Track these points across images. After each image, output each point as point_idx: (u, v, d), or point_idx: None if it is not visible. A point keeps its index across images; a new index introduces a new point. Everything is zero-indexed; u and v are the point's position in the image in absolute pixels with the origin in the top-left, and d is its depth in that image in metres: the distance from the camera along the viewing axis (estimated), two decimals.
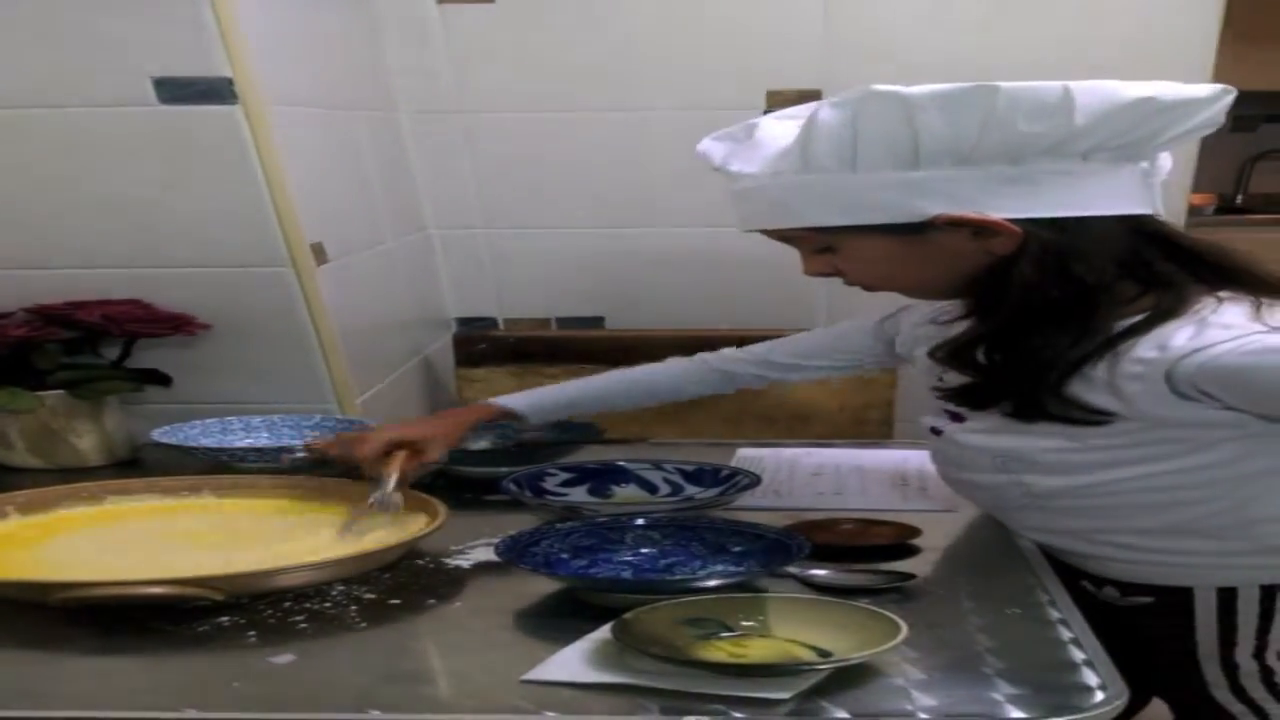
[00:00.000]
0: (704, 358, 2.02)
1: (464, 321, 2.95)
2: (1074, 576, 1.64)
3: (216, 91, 1.99)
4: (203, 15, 1.94)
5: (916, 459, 2.00)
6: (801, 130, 1.49)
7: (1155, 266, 1.48)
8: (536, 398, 1.96)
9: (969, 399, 1.57)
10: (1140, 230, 1.50)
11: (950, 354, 1.55)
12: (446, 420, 1.90)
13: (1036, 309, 1.46)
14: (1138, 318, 1.45)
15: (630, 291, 2.86)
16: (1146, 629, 1.63)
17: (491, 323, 2.94)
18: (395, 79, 2.71)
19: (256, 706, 1.17)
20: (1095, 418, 1.46)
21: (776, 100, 2.61)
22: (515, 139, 2.77)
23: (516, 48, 2.69)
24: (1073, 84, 1.39)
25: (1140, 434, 1.46)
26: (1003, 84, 1.38)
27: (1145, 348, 1.42)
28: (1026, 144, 1.42)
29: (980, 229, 1.46)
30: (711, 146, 1.63)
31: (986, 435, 1.58)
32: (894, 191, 1.46)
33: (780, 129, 1.57)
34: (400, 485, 1.71)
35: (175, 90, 2.00)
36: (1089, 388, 1.45)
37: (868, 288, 1.62)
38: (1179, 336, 1.40)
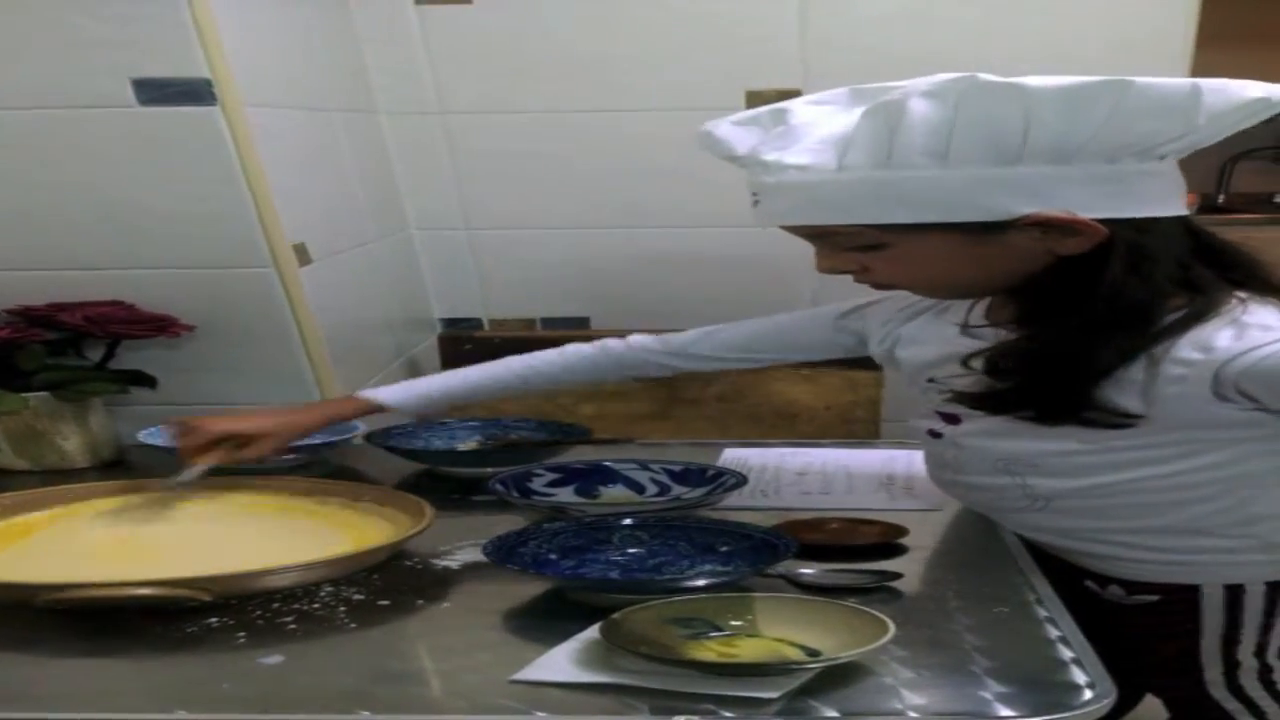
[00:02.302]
0: (607, 345, 1.98)
1: (449, 322, 2.95)
2: (1077, 576, 1.64)
3: (196, 93, 1.99)
4: (181, 16, 1.93)
5: (903, 458, 2.01)
6: (879, 121, 1.42)
7: (1194, 268, 1.47)
8: (410, 389, 1.94)
9: (989, 404, 1.54)
10: (1189, 230, 1.49)
11: (992, 361, 1.52)
12: (297, 415, 1.89)
13: (1116, 313, 1.43)
14: (1170, 319, 1.44)
15: (615, 292, 2.86)
16: (1150, 626, 1.62)
17: (476, 323, 2.94)
18: (374, 79, 2.71)
19: (246, 707, 1.17)
20: (1121, 421, 1.45)
21: (756, 100, 2.61)
22: (495, 139, 2.77)
23: (494, 48, 2.69)
24: (1201, 81, 1.35)
25: (1157, 435, 1.46)
26: (1134, 79, 1.34)
27: (1185, 350, 1.40)
28: (1134, 142, 1.39)
29: (1052, 228, 1.42)
30: (733, 133, 1.56)
31: (989, 438, 1.57)
32: (985, 189, 1.40)
33: (819, 115, 1.51)
34: (205, 474, 1.78)
35: (154, 91, 1.99)
36: (1120, 390, 1.44)
37: (896, 287, 1.60)
38: (1221, 338, 1.38)
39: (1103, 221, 1.41)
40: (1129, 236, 1.42)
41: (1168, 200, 1.45)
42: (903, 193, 1.42)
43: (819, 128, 1.48)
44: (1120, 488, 1.52)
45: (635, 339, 1.97)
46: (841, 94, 1.52)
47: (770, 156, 1.48)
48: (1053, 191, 1.40)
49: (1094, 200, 1.41)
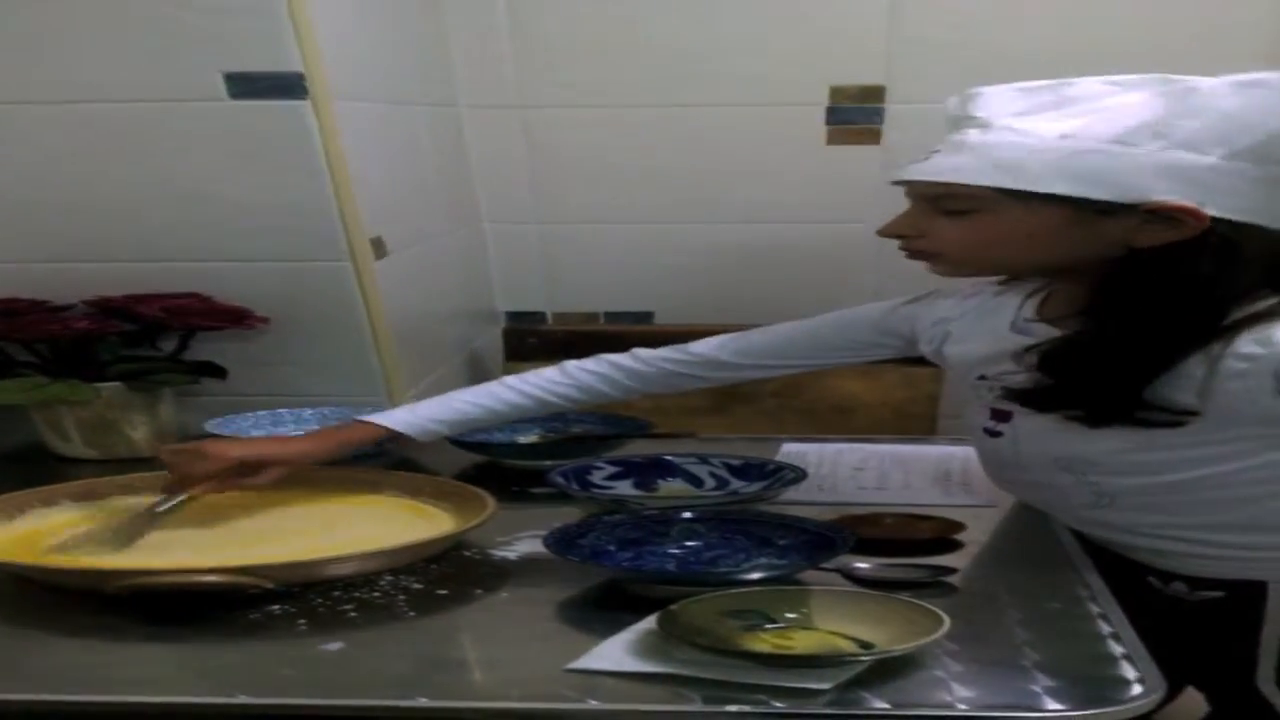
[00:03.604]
0: (613, 361, 1.86)
1: (513, 315, 2.97)
2: (1138, 571, 1.63)
3: (287, 86, 2.02)
4: (278, 10, 1.96)
5: (960, 454, 2.00)
6: (1166, 101, 1.42)
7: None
8: (417, 413, 1.82)
9: (1037, 401, 1.55)
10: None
11: (1045, 356, 1.52)
12: (310, 443, 1.79)
13: (1196, 308, 1.43)
14: (1236, 316, 1.43)
15: (680, 286, 2.87)
16: (1211, 622, 1.61)
17: (540, 317, 2.96)
18: (459, 73, 2.74)
19: (305, 693, 1.19)
20: (1174, 419, 1.45)
21: (840, 96, 2.62)
22: (571, 133, 2.79)
23: (580, 42, 2.71)
24: None
25: (1214, 433, 1.45)
26: None
27: (1247, 345, 1.40)
28: None
29: (1158, 217, 1.41)
30: (1001, 94, 1.52)
31: (1045, 435, 1.57)
32: (1148, 174, 1.40)
33: (1102, 90, 1.49)
34: (183, 503, 1.70)
35: (246, 85, 2.03)
36: (1176, 387, 1.44)
37: (947, 259, 1.57)
38: None
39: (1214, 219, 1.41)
40: (1225, 233, 1.41)
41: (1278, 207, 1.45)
42: (1093, 167, 1.42)
43: (1089, 101, 1.48)
44: (1184, 485, 1.51)
45: (642, 352, 1.86)
46: (1147, 78, 1.49)
47: (1004, 120, 1.48)
48: (1196, 181, 1.40)
49: (1222, 198, 1.40)
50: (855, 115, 2.65)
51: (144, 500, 1.72)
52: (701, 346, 1.86)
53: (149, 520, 1.66)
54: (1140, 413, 1.46)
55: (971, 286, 1.73)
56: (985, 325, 1.68)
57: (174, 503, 1.69)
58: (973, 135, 1.49)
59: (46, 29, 2.04)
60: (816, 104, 2.64)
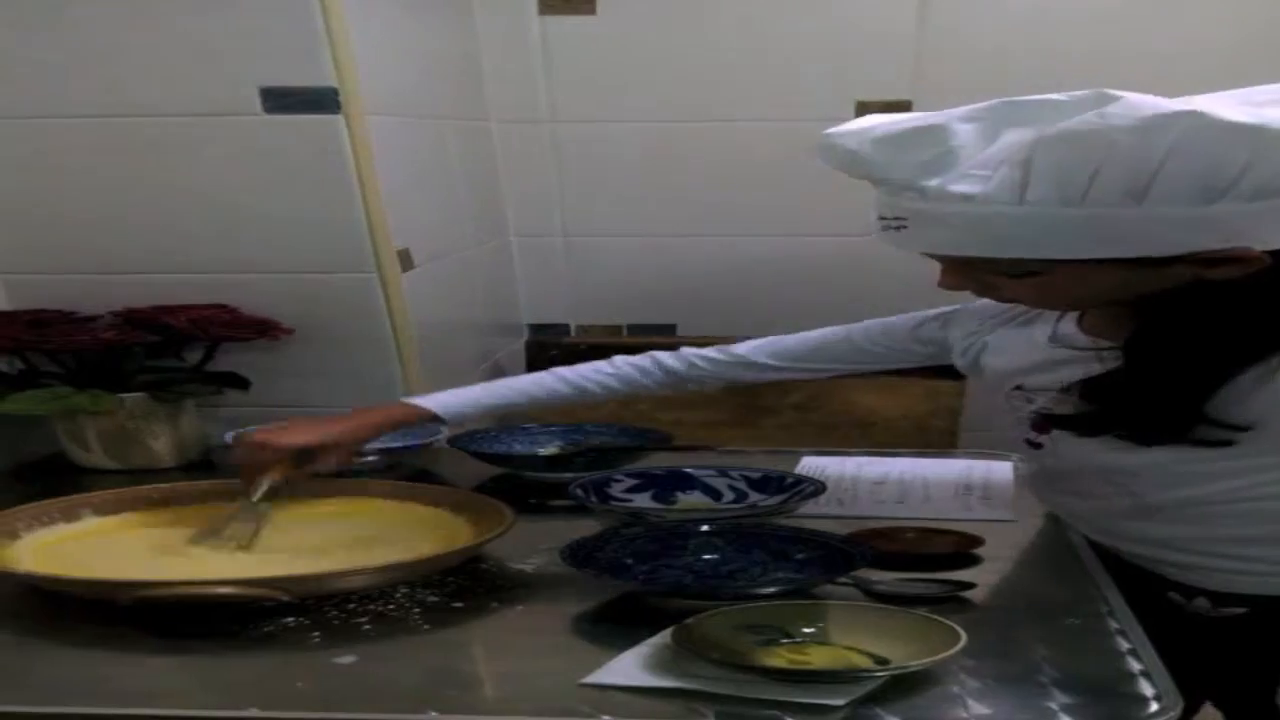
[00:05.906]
0: (659, 358, 1.93)
1: (536, 328, 2.98)
2: (1160, 588, 1.62)
3: (321, 101, 2.04)
4: (314, 26, 1.98)
5: (981, 469, 2.00)
6: (1074, 154, 1.30)
7: None
8: (459, 397, 1.90)
9: (1079, 427, 1.53)
10: None
11: (1091, 387, 1.50)
12: (353, 421, 1.84)
13: (1262, 331, 1.40)
14: None
15: (702, 299, 2.88)
16: (1232, 639, 1.59)
17: (564, 329, 2.97)
18: (490, 88, 2.77)
19: (318, 706, 1.19)
20: (1230, 436, 1.43)
21: (866, 111, 2.61)
22: (600, 148, 2.82)
23: (610, 58, 2.74)
24: None
25: (1257, 443, 1.44)
26: None
27: None
28: None
29: (1220, 260, 1.35)
30: (878, 152, 1.41)
31: (1084, 448, 1.56)
32: (1179, 228, 1.31)
33: (975, 132, 1.37)
34: (273, 493, 1.74)
35: (281, 99, 2.05)
36: (1229, 402, 1.42)
37: (1020, 303, 1.58)
38: None
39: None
40: None
41: None
42: (1091, 230, 1.33)
43: (976, 148, 1.37)
44: (1220, 497, 1.50)
45: (688, 351, 1.93)
46: (997, 108, 1.38)
47: (931, 182, 1.37)
48: (1242, 227, 1.33)
49: (1274, 233, 1.34)
50: None
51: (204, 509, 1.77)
52: (742, 348, 1.91)
53: (252, 512, 1.71)
54: (1196, 431, 1.43)
55: None
56: (1023, 336, 1.66)
57: (263, 489, 1.74)
58: (921, 206, 1.40)
59: (82, 44, 2.07)
60: (842, 119, 2.63)
